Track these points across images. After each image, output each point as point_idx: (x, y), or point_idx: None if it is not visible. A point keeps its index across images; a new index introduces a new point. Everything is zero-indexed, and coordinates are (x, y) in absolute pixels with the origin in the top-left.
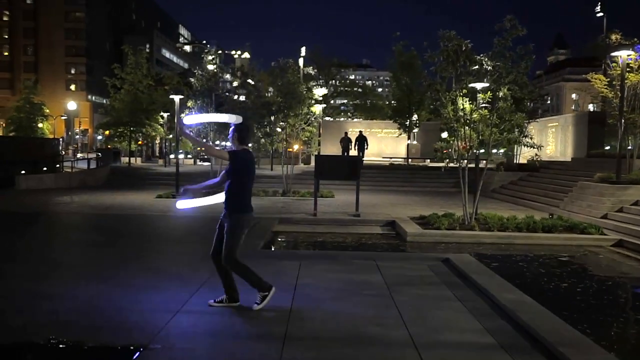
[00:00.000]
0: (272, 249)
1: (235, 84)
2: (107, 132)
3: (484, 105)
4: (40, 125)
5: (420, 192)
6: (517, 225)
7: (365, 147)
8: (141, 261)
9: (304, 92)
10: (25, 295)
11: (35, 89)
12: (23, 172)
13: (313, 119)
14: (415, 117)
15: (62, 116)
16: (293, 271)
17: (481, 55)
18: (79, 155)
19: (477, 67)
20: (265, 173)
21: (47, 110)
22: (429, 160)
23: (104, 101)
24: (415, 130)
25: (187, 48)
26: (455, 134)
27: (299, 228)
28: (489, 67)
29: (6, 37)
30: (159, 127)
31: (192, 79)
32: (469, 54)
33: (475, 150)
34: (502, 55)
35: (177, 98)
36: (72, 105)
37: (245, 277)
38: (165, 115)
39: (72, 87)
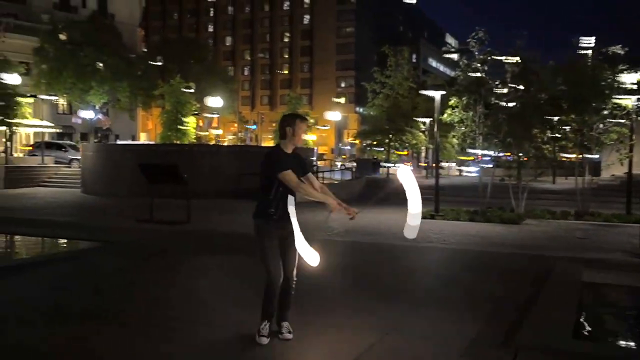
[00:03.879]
0: (593, 337)
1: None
2: (357, 141)
3: None
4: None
5: None
6: None
7: None
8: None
9: (609, 79)
10: None
11: (300, 99)
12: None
13: (623, 114)
14: None
15: (324, 126)
16: None
17: None
18: (339, 165)
19: None
20: (546, 187)
21: (312, 121)
22: None
23: (370, 112)
24: None
25: (454, 56)
26: None
27: (623, 279)
28: None
29: (286, 56)
30: (420, 134)
31: (456, 72)
32: None
33: None
34: None
35: (437, 94)
36: (335, 115)
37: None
38: (427, 121)
39: (342, 100)
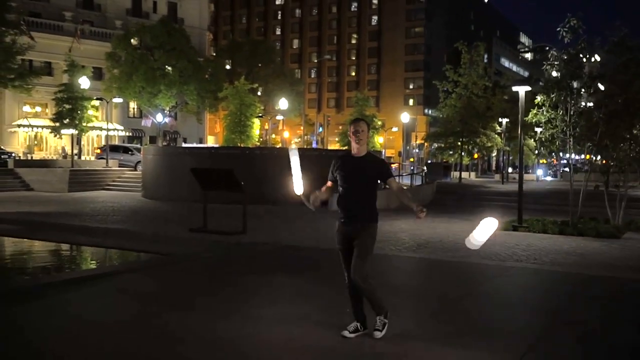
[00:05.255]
0: None
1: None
2: (426, 144)
3: None
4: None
5: None
6: None
7: None
8: None
9: None
10: None
11: (367, 101)
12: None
13: None
14: None
15: (392, 128)
16: None
17: None
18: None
19: None
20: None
21: (380, 122)
22: None
23: (440, 114)
24: None
25: (528, 55)
26: None
27: None
28: None
29: (354, 58)
30: (496, 136)
31: (544, 66)
32: None
33: None
34: None
35: (522, 90)
36: (405, 117)
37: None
38: (503, 121)
39: (410, 101)
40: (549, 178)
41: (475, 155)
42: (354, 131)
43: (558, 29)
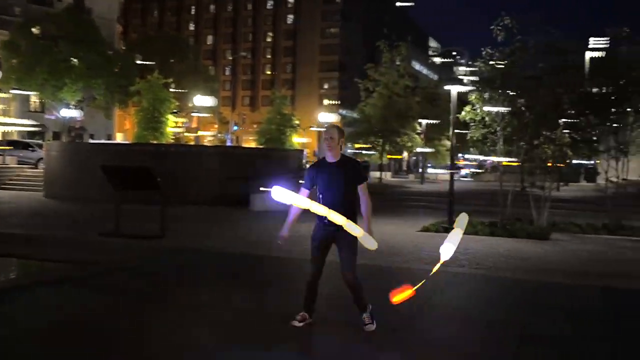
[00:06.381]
0: None
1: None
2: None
3: None
4: (289, 136)
5: None
6: None
7: None
8: None
9: None
10: None
11: (285, 99)
12: (263, 189)
13: None
14: None
15: (310, 127)
16: None
17: None
18: None
19: None
20: (552, 195)
21: (297, 122)
22: None
23: (355, 115)
24: None
25: (436, 60)
26: None
27: None
28: None
29: (269, 57)
30: (416, 136)
31: (477, 63)
32: None
33: None
34: None
35: (454, 89)
36: (323, 117)
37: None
38: (423, 122)
39: (325, 101)
40: (466, 179)
41: (388, 156)
42: (325, 138)
43: (492, 27)
